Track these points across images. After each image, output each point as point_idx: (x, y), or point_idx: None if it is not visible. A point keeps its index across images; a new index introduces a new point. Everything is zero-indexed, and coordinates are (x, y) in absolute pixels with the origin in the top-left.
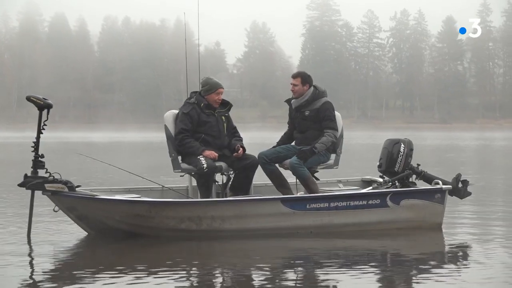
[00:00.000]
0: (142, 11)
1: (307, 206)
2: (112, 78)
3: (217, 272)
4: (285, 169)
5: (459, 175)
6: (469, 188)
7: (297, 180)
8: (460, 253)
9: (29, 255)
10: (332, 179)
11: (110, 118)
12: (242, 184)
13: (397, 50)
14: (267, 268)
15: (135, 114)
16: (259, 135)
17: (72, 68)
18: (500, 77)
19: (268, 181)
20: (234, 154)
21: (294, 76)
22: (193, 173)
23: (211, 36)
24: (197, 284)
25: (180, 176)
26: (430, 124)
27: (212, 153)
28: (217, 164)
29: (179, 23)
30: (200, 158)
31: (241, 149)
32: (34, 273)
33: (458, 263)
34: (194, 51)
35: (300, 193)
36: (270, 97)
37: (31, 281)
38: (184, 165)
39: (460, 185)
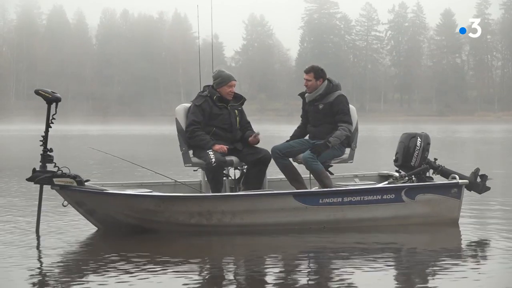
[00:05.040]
0: (140, 4)
1: (320, 201)
2: (110, 71)
3: (228, 267)
4: (299, 163)
5: (477, 170)
6: (487, 183)
7: (311, 175)
8: (478, 249)
9: (38, 250)
10: (348, 174)
11: (108, 110)
12: (254, 179)
13: (396, 43)
14: (279, 264)
15: (133, 107)
16: (258, 128)
17: (70, 61)
18: (498, 70)
19: (283, 176)
20: (249, 139)
21: (307, 71)
22: (202, 167)
23: (208, 29)
24: (207, 280)
25: (194, 170)
26: (429, 117)
27: (222, 147)
28: (228, 158)
29: (177, 16)
30: (209, 152)
31: (258, 135)
32: (42, 268)
33: (475, 259)
34: (193, 44)
35: (315, 188)
36: (269, 90)
37: (40, 276)
38: (194, 159)
39: (478, 179)
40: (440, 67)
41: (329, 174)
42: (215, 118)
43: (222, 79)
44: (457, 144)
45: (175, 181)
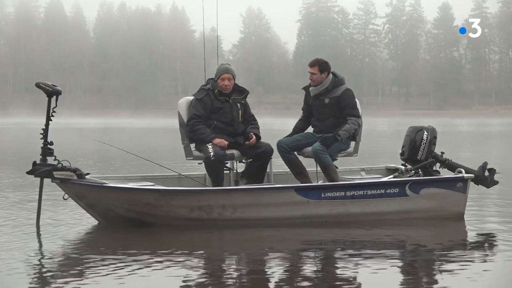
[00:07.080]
0: None
1: (322, 195)
2: (107, 64)
3: (228, 262)
4: (305, 157)
5: (485, 164)
6: (496, 177)
7: (317, 169)
8: (484, 244)
9: (38, 243)
10: (355, 167)
11: (105, 104)
12: (256, 173)
13: (393, 37)
14: (280, 259)
15: (130, 101)
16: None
17: (68, 55)
18: (495, 64)
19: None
20: (246, 143)
21: (312, 65)
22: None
23: (206, 22)
24: (207, 274)
25: (198, 163)
26: (426, 110)
27: (222, 141)
28: (229, 152)
29: (174, 9)
30: (208, 146)
31: (254, 137)
32: (42, 262)
33: (481, 254)
34: (190, 37)
35: (320, 182)
36: (266, 84)
37: (40, 269)
38: (196, 153)
39: (486, 173)
40: (438, 61)
41: (336, 168)
42: (217, 111)
43: (217, 72)
44: (461, 138)
45: (179, 174)
